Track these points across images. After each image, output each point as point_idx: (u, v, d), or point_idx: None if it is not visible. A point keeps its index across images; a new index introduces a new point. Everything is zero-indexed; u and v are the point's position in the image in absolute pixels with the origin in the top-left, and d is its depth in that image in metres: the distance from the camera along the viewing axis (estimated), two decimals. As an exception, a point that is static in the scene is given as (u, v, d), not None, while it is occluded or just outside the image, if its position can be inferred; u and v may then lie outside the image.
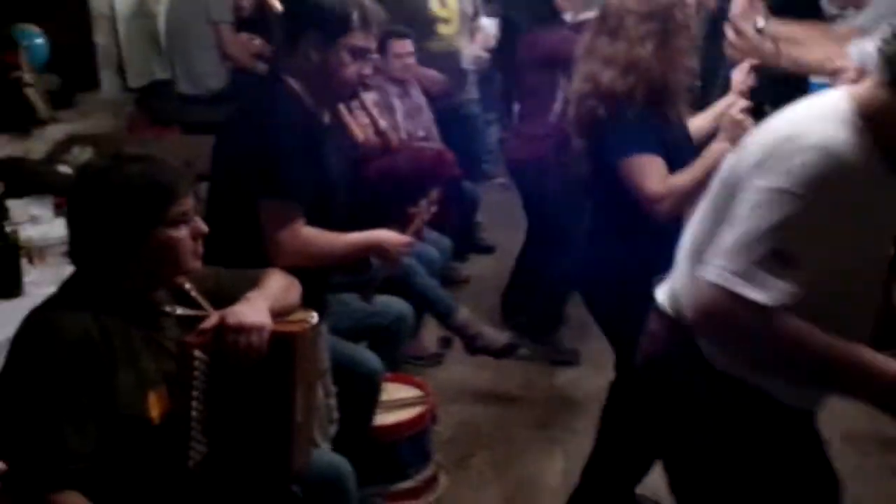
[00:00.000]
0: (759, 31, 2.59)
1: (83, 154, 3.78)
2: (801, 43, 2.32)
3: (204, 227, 1.93)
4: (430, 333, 4.11)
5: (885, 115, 1.61)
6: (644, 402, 2.03)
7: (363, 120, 3.95)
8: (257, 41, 4.64)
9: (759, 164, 1.63)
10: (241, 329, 1.89)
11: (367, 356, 2.88)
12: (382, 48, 4.57)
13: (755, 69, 2.73)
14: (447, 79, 4.91)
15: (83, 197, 1.89)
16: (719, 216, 1.72)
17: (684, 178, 2.53)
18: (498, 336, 3.68)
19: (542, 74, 3.96)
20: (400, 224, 2.75)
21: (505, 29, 5.06)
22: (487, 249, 5.49)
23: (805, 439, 1.86)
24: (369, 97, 3.94)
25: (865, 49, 1.71)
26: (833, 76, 2.12)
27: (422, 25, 4.87)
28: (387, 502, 3.00)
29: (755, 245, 1.58)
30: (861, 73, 1.76)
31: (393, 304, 3.19)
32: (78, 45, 4.65)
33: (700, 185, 2.21)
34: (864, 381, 1.60)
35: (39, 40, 4.25)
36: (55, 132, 4.17)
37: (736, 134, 2.48)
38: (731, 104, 2.70)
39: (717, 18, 3.46)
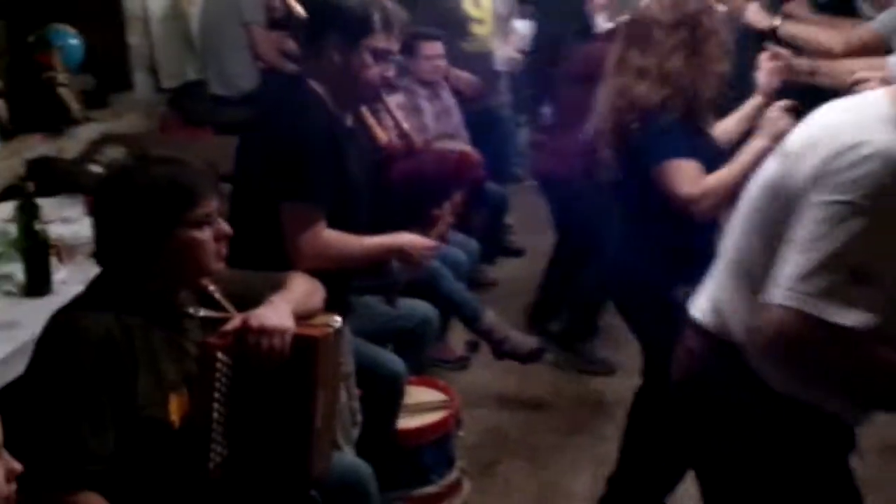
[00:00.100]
0: (774, 30, 2.58)
1: (115, 154, 3.80)
2: (823, 47, 2.30)
3: (227, 229, 1.93)
4: (457, 337, 4.10)
5: None
6: (679, 416, 1.98)
7: (388, 122, 3.97)
8: (289, 42, 4.65)
9: (818, 177, 1.57)
10: (264, 332, 1.89)
11: (391, 359, 2.88)
12: (412, 50, 4.58)
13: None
14: (480, 80, 4.90)
15: (108, 197, 1.90)
16: (770, 231, 1.67)
17: (721, 176, 2.51)
18: (525, 340, 3.66)
19: (578, 88, 3.92)
20: (423, 227, 2.74)
21: (539, 37, 5.03)
22: (516, 252, 5.46)
23: (847, 453, 1.84)
24: (395, 98, 3.95)
25: None
26: (857, 86, 2.10)
27: (455, 25, 4.88)
28: (409, 507, 2.99)
29: (830, 264, 1.52)
30: (885, 83, 1.73)
31: (418, 307, 3.18)
32: (112, 46, 4.69)
33: (738, 184, 2.17)
34: None
35: (74, 41, 4.29)
36: (88, 132, 4.20)
37: (777, 132, 2.45)
38: (763, 104, 2.69)
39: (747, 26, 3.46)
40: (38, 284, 2.67)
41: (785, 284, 1.56)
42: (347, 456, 2.44)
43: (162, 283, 1.90)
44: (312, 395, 1.97)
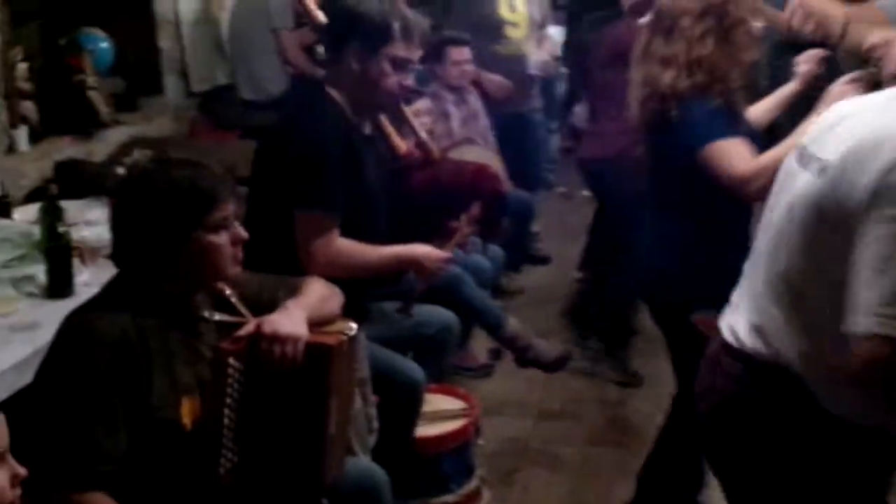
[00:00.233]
0: None
1: (143, 157, 3.82)
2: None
3: (244, 234, 1.93)
4: (481, 344, 4.07)
5: None
6: (713, 440, 1.94)
7: (414, 128, 3.97)
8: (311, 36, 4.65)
9: (876, 191, 1.51)
10: (276, 338, 1.89)
11: (409, 366, 2.86)
12: (439, 55, 4.57)
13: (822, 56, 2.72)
14: (511, 84, 4.88)
15: (126, 199, 1.91)
16: (823, 253, 1.61)
17: (776, 155, 2.41)
18: (549, 349, 3.62)
19: (615, 70, 3.89)
20: (440, 238, 2.73)
21: (571, 29, 5.00)
22: (543, 260, 5.42)
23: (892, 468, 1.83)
24: (421, 104, 3.95)
25: None
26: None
27: (490, 29, 4.88)
28: (428, 515, 2.97)
29: None
30: None
31: (439, 314, 3.16)
32: (143, 50, 4.72)
33: None
34: None
35: (105, 44, 4.33)
36: (117, 135, 4.23)
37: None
38: (799, 92, 2.67)
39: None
40: (59, 286, 2.69)
41: (868, 311, 1.50)
42: (362, 462, 2.43)
43: (178, 286, 1.91)
44: (326, 402, 1.96)
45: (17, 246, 2.91)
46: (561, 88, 6.21)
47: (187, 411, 1.87)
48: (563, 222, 5.76)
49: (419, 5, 6.15)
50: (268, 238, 2.29)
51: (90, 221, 3.22)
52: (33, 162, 3.74)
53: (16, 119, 3.74)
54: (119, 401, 1.78)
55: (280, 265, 2.22)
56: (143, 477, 1.83)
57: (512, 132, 4.96)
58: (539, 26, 5.10)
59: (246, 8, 4.90)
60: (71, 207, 3.19)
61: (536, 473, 3.37)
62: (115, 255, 1.94)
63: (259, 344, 1.89)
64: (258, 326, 1.91)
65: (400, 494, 2.77)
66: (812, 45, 2.91)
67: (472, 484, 3.07)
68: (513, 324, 3.59)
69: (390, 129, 2.75)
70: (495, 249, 4.10)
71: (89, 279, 2.77)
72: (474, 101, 4.70)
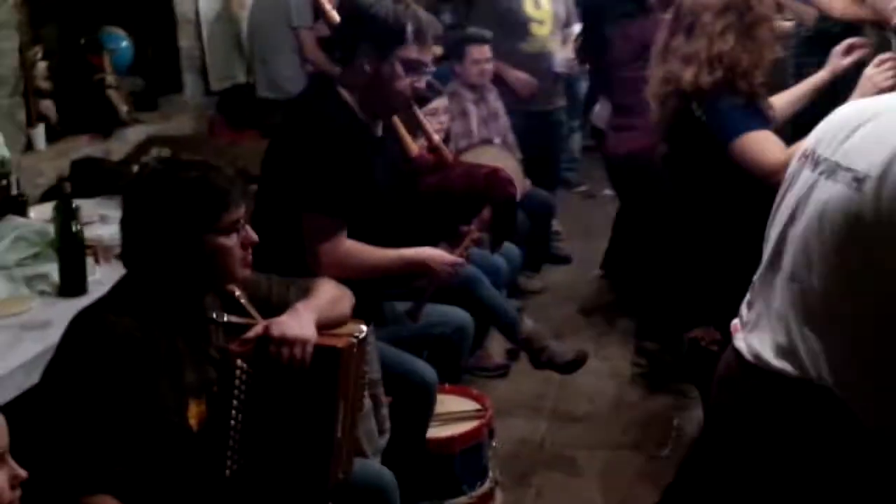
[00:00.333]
0: None
1: (160, 155, 3.83)
2: None
3: (254, 237, 1.92)
4: (498, 344, 4.04)
5: None
6: (744, 460, 1.88)
7: (436, 125, 3.94)
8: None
9: None
10: (285, 341, 1.88)
11: (421, 366, 2.84)
12: (460, 53, 4.55)
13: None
14: (536, 82, 4.85)
15: (137, 200, 1.90)
16: (864, 266, 1.56)
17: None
18: (565, 350, 3.59)
19: (641, 65, 3.85)
20: (450, 242, 2.70)
21: (590, 27, 4.94)
22: (564, 260, 5.37)
23: None
24: (439, 102, 3.92)
25: None
26: None
27: (515, 26, 4.86)
28: (440, 517, 2.95)
29: None
30: None
31: (454, 314, 3.14)
32: (162, 49, 4.74)
33: None
34: None
35: (125, 43, 4.35)
36: (136, 134, 4.25)
37: (875, 93, 2.39)
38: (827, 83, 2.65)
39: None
40: (72, 285, 2.69)
41: None
42: (371, 464, 2.42)
43: (187, 288, 1.90)
44: (334, 405, 1.94)
45: (31, 244, 2.90)
46: (583, 87, 6.16)
47: (194, 414, 1.85)
48: (584, 221, 5.73)
49: (442, 2, 6.20)
50: (276, 237, 2.28)
51: (106, 220, 3.22)
52: (50, 160, 3.76)
53: (34, 117, 3.75)
54: (126, 403, 1.77)
55: (288, 264, 2.21)
56: (149, 479, 1.82)
57: (535, 131, 4.94)
58: (564, 24, 5.07)
59: (265, 6, 4.90)
60: (87, 206, 3.20)
61: (551, 477, 3.33)
62: (125, 255, 1.94)
63: (267, 346, 1.88)
64: (266, 328, 1.90)
65: (412, 496, 2.77)
66: (838, 40, 2.89)
67: (486, 486, 3.05)
68: (528, 325, 3.57)
69: (402, 131, 2.72)
70: (512, 249, 4.07)
71: (102, 278, 2.77)
72: (494, 99, 4.68)
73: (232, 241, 1.87)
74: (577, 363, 3.56)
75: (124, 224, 1.92)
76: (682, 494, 2.76)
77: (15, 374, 2.25)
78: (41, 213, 3.18)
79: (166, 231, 1.84)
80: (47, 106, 3.87)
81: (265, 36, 4.87)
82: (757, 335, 1.78)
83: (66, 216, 2.69)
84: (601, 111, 4.66)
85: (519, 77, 4.85)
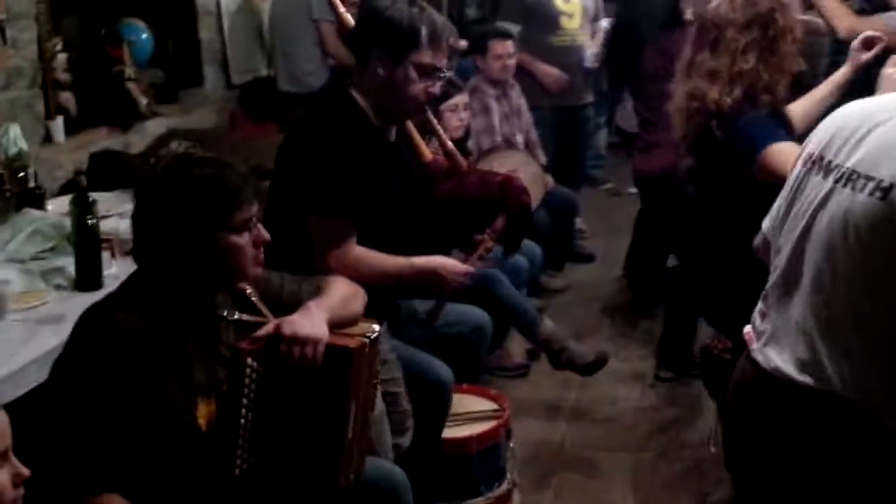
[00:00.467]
0: None
1: (179, 148, 3.81)
2: None
3: (266, 235, 1.90)
4: (518, 344, 3.99)
5: None
6: (758, 471, 1.86)
7: (456, 121, 3.90)
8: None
9: None
10: (296, 340, 1.85)
11: (437, 365, 2.80)
12: (483, 48, 4.51)
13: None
14: (566, 76, 4.80)
15: (149, 195, 1.87)
16: (877, 274, 1.54)
17: None
18: (585, 351, 3.54)
19: (656, 85, 3.80)
20: (463, 250, 2.66)
21: (621, 37, 4.89)
22: (587, 258, 5.31)
23: None
24: (460, 98, 3.88)
25: None
26: None
27: (544, 19, 4.82)
28: (456, 518, 2.91)
29: None
30: None
31: (472, 313, 3.10)
32: (183, 41, 4.72)
33: None
34: None
35: (145, 35, 4.33)
36: (155, 127, 4.24)
37: None
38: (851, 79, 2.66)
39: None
40: (88, 279, 2.67)
41: None
42: (384, 463, 2.38)
43: (198, 285, 1.88)
44: (345, 406, 1.92)
45: (48, 238, 2.90)
46: (605, 82, 6.10)
47: (203, 413, 1.83)
48: (609, 219, 5.67)
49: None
50: (288, 236, 2.25)
51: (123, 213, 3.20)
52: (69, 153, 3.75)
53: (53, 110, 3.74)
54: (133, 401, 1.75)
55: (300, 263, 2.19)
56: (158, 478, 1.79)
57: (563, 126, 4.90)
58: (592, 18, 5.02)
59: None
60: (104, 199, 3.18)
61: (570, 478, 3.29)
62: (136, 251, 1.91)
63: (278, 345, 1.86)
64: (277, 327, 1.87)
65: (428, 496, 2.74)
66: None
67: (503, 487, 3.01)
68: (548, 325, 3.52)
69: (416, 136, 2.68)
70: (533, 248, 4.02)
71: (119, 272, 2.75)
72: (517, 95, 4.63)
73: (244, 239, 1.85)
74: (597, 364, 3.50)
75: (136, 219, 1.90)
76: None
77: (29, 369, 2.23)
78: (59, 206, 3.17)
79: (178, 228, 1.81)
80: (67, 98, 3.86)
81: (286, 29, 4.84)
82: (775, 349, 1.74)
83: (81, 210, 2.67)
84: (626, 113, 4.60)
85: (549, 71, 4.80)
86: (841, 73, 2.84)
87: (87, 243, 2.68)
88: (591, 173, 6.14)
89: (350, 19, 2.68)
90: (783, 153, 2.43)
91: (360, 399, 1.97)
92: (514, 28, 4.73)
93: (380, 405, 2.35)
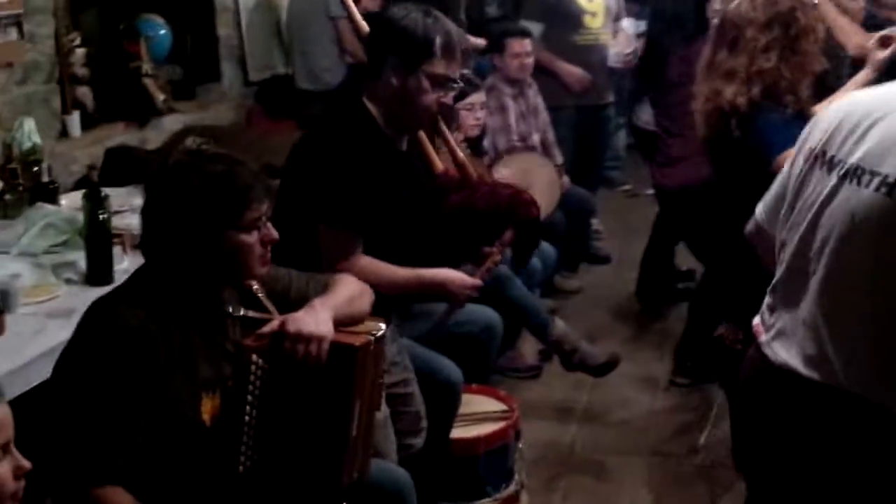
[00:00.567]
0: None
1: (194, 145, 3.82)
2: None
3: (274, 234, 1.89)
4: (530, 345, 3.97)
5: None
6: (766, 463, 1.87)
7: (472, 120, 3.88)
8: None
9: None
10: (300, 337, 1.85)
11: (446, 364, 2.79)
12: (501, 47, 4.49)
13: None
14: (589, 76, 4.77)
15: (160, 191, 1.87)
16: (888, 268, 1.54)
17: None
18: (597, 353, 3.52)
19: (676, 93, 3.77)
20: (472, 263, 2.65)
21: (651, 50, 4.85)
22: (603, 260, 5.28)
23: None
24: (476, 97, 3.86)
25: None
26: None
27: (567, 18, 4.79)
28: (463, 519, 2.90)
29: None
30: None
31: (483, 313, 3.08)
32: (201, 37, 4.72)
33: None
34: None
35: (163, 31, 4.34)
36: (172, 123, 4.25)
37: None
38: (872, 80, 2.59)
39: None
40: (99, 274, 2.68)
41: None
42: (389, 465, 2.37)
43: (205, 281, 1.87)
44: (349, 404, 1.91)
45: (61, 232, 2.92)
46: (628, 83, 6.07)
47: (208, 408, 1.83)
48: (626, 221, 5.64)
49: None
50: (295, 233, 2.24)
51: (136, 209, 3.20)
52: (85, 148, 3.77)
53: (69, 104, 3.76)
54: (137, 395, 1.75)
55: (307, 259, 2.18)
56: (161, 473, 1.80)
57: (583, 126, 4.87)
58: (615, 17, 4.99)
59: (303, -4, 4.87)
60: (118, 194, 3.19)
61: (579, 481, 3.27)
62: (144, 245, 1.92)
63: (283, 342, 1.85)
64: (282, 324, 1.87)
65: (435, 497, 2.73)
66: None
67: (511, 488, 2.99)
68: (559, 326, 3.50)
69: (428, 146, 2.67)
70: (547, 249, 3.99)
71: (130, 267, 2.74)
72: (534, 95, 4.60)
73: (252, 238, 1.84)
74: (609, 366, 3.48)
75: (145, 214, 1.90)
76: None
77: (38, 362, 2.25)
78: (72, 201, 3.19)
79: (186, 224, 1.81)
80: (84, 93, 3.87)
81: (304, 26, 4.84)
82: (782, 344, 1.74)
83: (93, 204, 2.68)
84: (644, 113, 4.57)
85: (571, 70, 4.77)
86: (863, 74, 2.80)
87: (98, 238, 2.70)
88: (609, 174, 6.11)
89: (365, 26, 2.67)
90: None
91: (365, 398, 1.96)
92: (537, 26, 4.71)
93: (384, 409, 2.34)
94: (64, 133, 3.76)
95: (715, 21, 3.78)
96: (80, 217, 2.83)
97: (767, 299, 1.83)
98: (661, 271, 4.60)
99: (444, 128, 2.74)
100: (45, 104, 3.67)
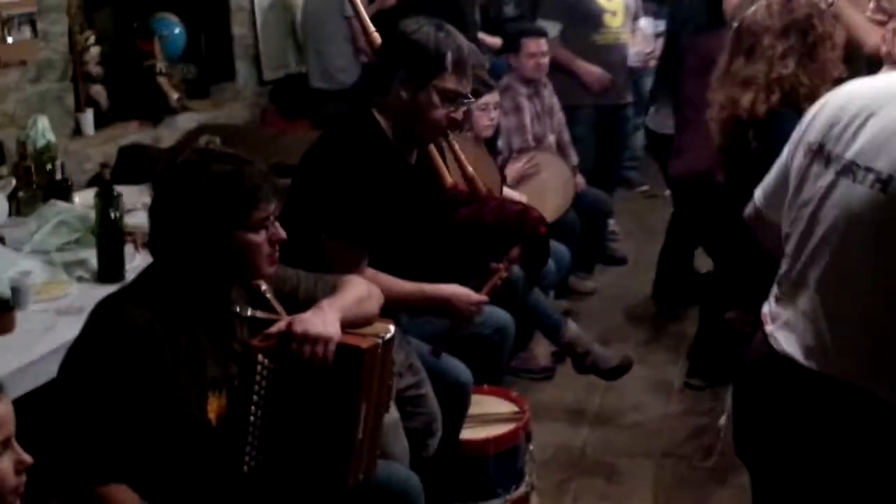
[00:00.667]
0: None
1: (203, 144, 3.82)
2: None
3: (282, 234, 1.89)
4: (543, 347, 3.95)
5: None
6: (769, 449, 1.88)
7: (486, 121, 3.86)
8: None
9: None
10: (307, 338, 1.84)
11: (456, 365, 2.77)
12: (516, 47, 4.47)
13: None
14: (609, 76, 4.75)
15: (169, 190, 1.88)
16: (887, 264, 1.56)
17: None
18: (609, 356, 3.51)
19: (695, 84, 3.74)
20: (478, 278, 2.62)
21: (669, 47, 4.83)
22: (619, 261, 5.24)
23: None
24: (491, 97, 3.84)
25: None
26: None
27: (587, 17, 4.76)
28: (473, 521, 2.88)
29: None
30: None
31: (496, 315, 3.06)
32: (216, 36, 4.73)
33: None
34: None
35: (178, 30, 4.35)
36: (186, 121, 4.26)
37: None
38: None
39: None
40: (110, 272, 2.69)
41: None
42: (398, 467, 2.36)
43: (212, 281, 1.87)
44: (355, 406, 1.90)
45: (73, 230, 2.92)
46: (648, 83, 6.03)
47: (214, 408, 1.83)
48: (643, 222, 5.60)
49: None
50: (303, 237, 2.24)
51: (148, 206, 3.21)
52: (98, 146, 3.78)
53: (83, 102, 3.77)
54: (143, 394, 1.75)
55: (315, 259, 2.18)
56: (166, 471, 1.80)
57: (602, 126, 4.84)
58: (633, 16, 4.96)
59: (318, -5, 4.87)
60: (131, 193, 3.20)
61: (590, 483, 3.26)
62: (151, 244, 1.92)
63: (289, 343, 1.85)
64: (289, 325, 1.86)
65: (444, 498, 2.72)
66: None
67: (521, 490, 2.97)
68: (572, 328, 3.49)
69: (438, 159, 2.66)
70: (561, 250, 3.97)
71: (141, 265, 2.75)
72: (549, 95, 4.58)
73: (260, 237, 1.84)
74: (621, 369, 3.46)
75: (153, 212, 1.91)
76: None
77: (48, 359, 2.25)
78: (85, 199, 3.20)
79: (194, 223, 1.81)
80: (98, 91, 3.88)
81: (319, 25, 4.84)
82: (785, 334, 1.78)
83: (105, 202, 2.69)
84: (657, 115, 4.53)
85: (590, 70, 4.74)
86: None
87: (109, 236, 2.70)
88: (627, 175, 6.07)
89: (377, 38, 2.65)
90: None
91: (372, 400, 1.95)
92: (555, 26, 4.69)
93: (394, 411, 2.33)
94: (77, 131, 3.77)
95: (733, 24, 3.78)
96: (93, 215, 2.84)
97: (774, 289, 1.86)
98: (678, 273, 4.56)
99: (453, 142, 2.73)
100: (59, 102, 3.68)
